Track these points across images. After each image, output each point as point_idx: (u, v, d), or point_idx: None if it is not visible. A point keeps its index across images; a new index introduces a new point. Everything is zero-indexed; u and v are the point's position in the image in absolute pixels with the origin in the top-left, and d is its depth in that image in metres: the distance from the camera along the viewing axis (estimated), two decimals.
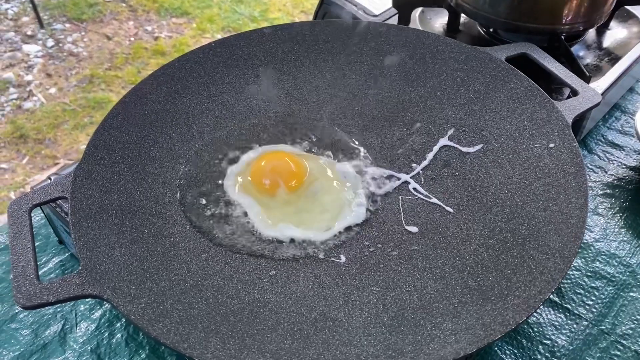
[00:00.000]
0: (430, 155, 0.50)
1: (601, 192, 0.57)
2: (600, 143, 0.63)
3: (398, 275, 0.41)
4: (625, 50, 0.63)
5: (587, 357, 0.44)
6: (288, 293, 0.41)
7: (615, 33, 0.66)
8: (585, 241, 0.53)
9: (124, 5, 2.12)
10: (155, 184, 0.48)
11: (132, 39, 1.96)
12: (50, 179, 0.48)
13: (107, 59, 1.86)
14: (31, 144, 1.55)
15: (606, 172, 0.59)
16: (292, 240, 0.44)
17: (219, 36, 1.98)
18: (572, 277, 0.50)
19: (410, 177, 0.49)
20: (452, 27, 0.66)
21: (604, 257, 0.51)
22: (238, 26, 2.04)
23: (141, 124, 0.50)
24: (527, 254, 0.40)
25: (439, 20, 0.67)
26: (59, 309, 0.48)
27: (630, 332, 0.46)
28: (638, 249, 0.52)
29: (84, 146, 0.47)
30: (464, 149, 0.50)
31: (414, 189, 0.48)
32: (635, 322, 0.46)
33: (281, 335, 0.37)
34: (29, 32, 1.96)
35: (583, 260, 0.51)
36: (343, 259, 0.43)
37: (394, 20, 0.66)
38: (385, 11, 0.67)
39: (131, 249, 0.42)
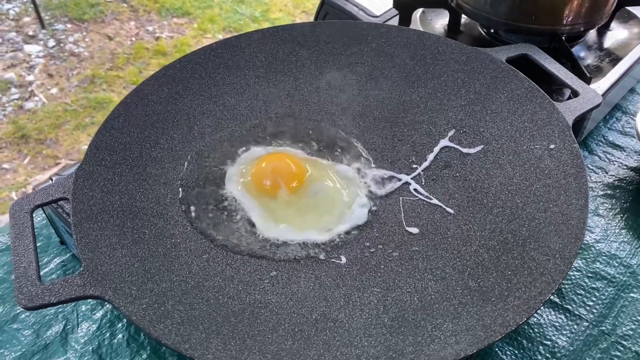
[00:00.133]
0: (430, 156, 0.50)
1: (602, 193, 0.57)
2: (601, 144, 0.63)
3: (399, 276, 0.42)
4: (626, 51, 0.63)
5: (587, 358, 0.44)
6: (289, 294, 0.41)
7: (616, 34, 0.66)
8: (585, 242, 0.53)
9: (125, 5, 2.13)
10: (157, 185, 0.48)
11: (133, 39, 1.97)
12: (51, 179, 0.48)
13: (108, 59, 1.86)
14: (32, 144, 1.55)
15: (607, 173, 0.59)
16: (293, 241, 0.44)
17: (220, 36, 1.98)
18: (573, 278, 0.50)
19: (411, 178, 0.49)
20: (453, 28, 0.66)
21: (604, 258, 0.51)
22: (239, 26, 2.04)
23: (142, 125, 0.50)
24: (528, 255, 0.40)
25: (440, 21, 0.67)
26: (60, 310, 0.48)
27: (631, 332, 0.46)
28: (639, 249, 0.52)
29: (85, 146, 0.47)
30: (465, 150, 0.50)
31: (415, 190, 0.48)
32: (636, 323, 0.47)
33: (282, 336, 0.37)
34: (31, 33, 1.97)
35: (584, 261, 0.51)
36: (344, 260, 0.43)
37: (395, 21, 0.66)
38: (386, 12, 0.67)
39: (132, 250, 0.42)
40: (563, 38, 0.58)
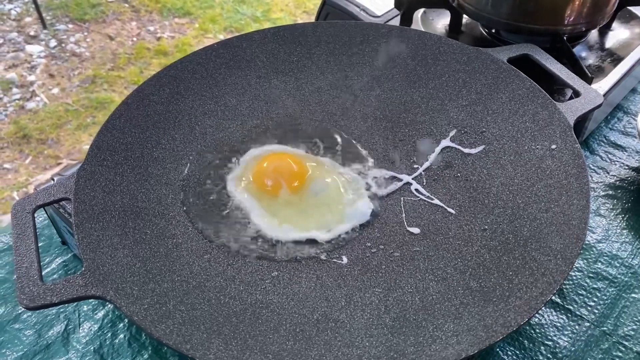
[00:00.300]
0: (432, 157, 0.50)
1: (603, 193, 0.57)
2: (603, 144, 0.63)
3: (400, 276, 0.42)
4: (627, 51, 0.62)
5: (589, 359, 0.44)
6: (290, 294, 0.41)
7: (618, 34, 0.66)
8: (587, 242, 0.53)
9: (126, 5, 2.13)
10: (158, 185, 0.48)
11: (134, 39, 1.97)
12: (53, 179, 0.48)
13: (109, 59, 1.87)
14: (34, 144, 1.56)
15: (608, 173, 0.59)
16: (294, 241, 0.44)
17: (221, 36, 1.98)
18: (574, 278, 0.50)
19: (412, 179, 0.49)
20: (454, 28, 0.66)
21: (606, 258, 0.51)
22: (240, 26, 2.04)
23: (144, 125, 0.50)
24: (529, 255, 0.40)
25: (441, 21, 0.67)
26: (62, 310, 0.48)
27: (632, 333, 0.46)
28: None
29: (87, 146, 0.47)
30: (466, 150, 0.50)
31: (416, 190, 0.48)
32: (637, 324, 0.46)
33: (283, 336, 0.37)
34: (32, 33, 1.97)
35: (585, 261, 0.51)
36: (345, 260, 0.43)
37: (396, 21, 0.66)
38: (387, 12, 0.67)
39: (134, 250, 0.42)
40: (564, 38, 0.58)
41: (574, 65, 0.57)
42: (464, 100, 0.53)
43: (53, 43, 1.93)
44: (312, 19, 0.70)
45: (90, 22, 2.03)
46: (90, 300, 0.49)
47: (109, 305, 0.48)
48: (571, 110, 0.48)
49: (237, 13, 2.11)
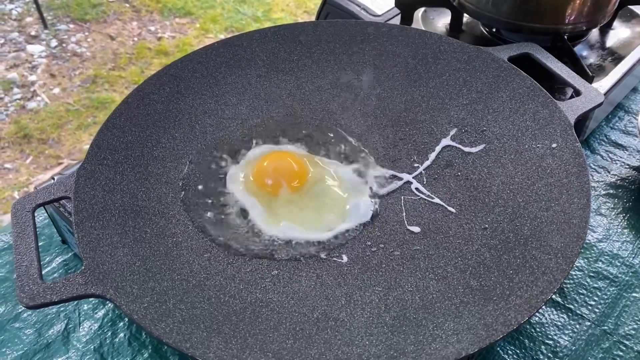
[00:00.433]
0: (432, 156, 0.50)
1: (604, 192, 0.57)
2: (603, 143, 0.63)
3: (400, 275, 0.42)
4: (628, 50, 0.62)
5: (589, 358, 0.44)
6: (290, 293, 0.41)
7: (619, 33, 0.66)
8: (588, 241, 0.53)
9: (127, 5, 2.13)
10: (158, 184, 0.48)
11: (135, 39, 1.97)
12: (53, 178, 0.48)
13: (110, 59, 1.87)
14: (35, 144, 1.56)
15: (609, 172, 0.59)
16: (294, 240, 0.44)
17: (222, 36, 1.98)
18: (575, 277, 0.50)
19: (413, 177, 0.49)
20: (455, 27, 0.66)
21: (606, 257, 0.51)
22: (241, 26, 2.04)
23: (144, 124, 0.50)
24: (529, 254, 0.40)
25: (442, 20, 0.67)
26: (62, 309, 0.48)
27: (633, 332, 0.46)
28: None
29: (88, 146, 0.47)
30: (467, 149, 0.50)
31: (417, 189, 0.48)
32: (638, 323, 0.46)
33: (283, 335, 0.37)
34: (33, 33, 1.97)
35: (586, 260, 0.51)
36: (345, 259, 0.43)
37: (397, 20, 0.66)
38: (387, 11, 0.67)
39: (134, 249, 0.42)
40: (565, 37, 0.58)
41: (575, 64, 0.57)
42: (464, 99, 0.53)
43: (54, 43, 1.93)
44: (313, 18, 0.70)
45: (91, 22, 2.03)
46: (91, 299, 0.49)
47: (109, 304, 0.48)
48: (572, 109, 0.48)
49: (237, 13, 2.11)
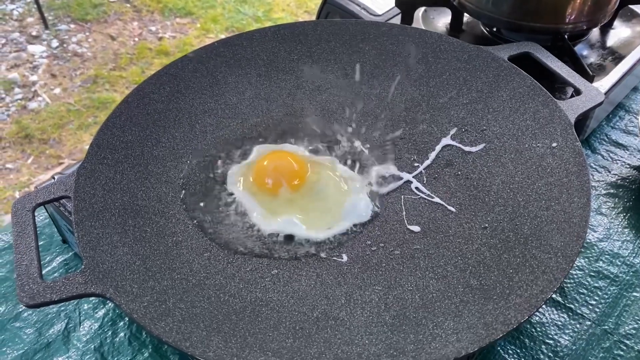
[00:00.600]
0: (432, 155, 0.50)
1: (605, 192, 0.57)
2: (604, 142, 0.63)
3: (400, 274, 0.41)
4: (629, 50, 0.62)
5: (590, 357, 0.44)
6: (290, 292, 0.41)
7: (619, 32, 0.66)
8: (588, 241, 0.53)
9: (128, 5, 2.13)
10: (158, 183, 0.48)
11: (136, 39, 1.97)
12: (54, 178, 0.48)
13: (111, 59, 1.87)
14: (36, 144, 1.56)
15: (610, 172, 0.59)
16: (294, 240, 0.44)
17: (222, 36, 1.98)
18: (575, 276, 0.50)
19: (413, 177, 0.49)
20: (455, 27, 0.66)
21: (607, 256, 0.51)
22: (242, 26, 2.04)
23: (144, 124, 0.50)
24: (529, 253, 0.40)
25: (442, 20, 0.67)
26: (62, 308, 0.48)
27: (634, 332, 0.46)
28: None
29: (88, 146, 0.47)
30: (467, 148, 0.50)
31: (417, 188, 0.48)
32: (639, 322, 0.46)
33: (283, 334, 0.37)
34: (34, 33, 1.97)
35: (586, 259, 0.51)
36: (345, 258, 0.43)
37: (397, 20, 0.66)
38: (388, 11, 0.67)
39: (134, 248, 0.42)
40: (566, 36, 0.58)
41: (575, 63, 0.57)
42: (464, 99, 0.53)
43: (55, 43, 1.93)
44: (314, 18, 0.70)
45: (92, 22, 2.03)
46: (91, 299, 0.49)
47: (110, 304, 0.48)
48: (572, 108, 0.47)
49: (238, 13, 2.11)
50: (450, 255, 0.42)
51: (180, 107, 0.53)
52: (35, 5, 1.99)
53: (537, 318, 0.47)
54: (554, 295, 0.48)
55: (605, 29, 0.66)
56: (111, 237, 0.41)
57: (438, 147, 0.51)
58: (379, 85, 0.56)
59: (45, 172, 1.48)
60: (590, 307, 0.47)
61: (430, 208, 0.46)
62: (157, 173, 0.48)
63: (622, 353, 0.44)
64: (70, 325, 0.47)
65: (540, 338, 0.45)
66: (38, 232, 0.51)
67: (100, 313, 0.48)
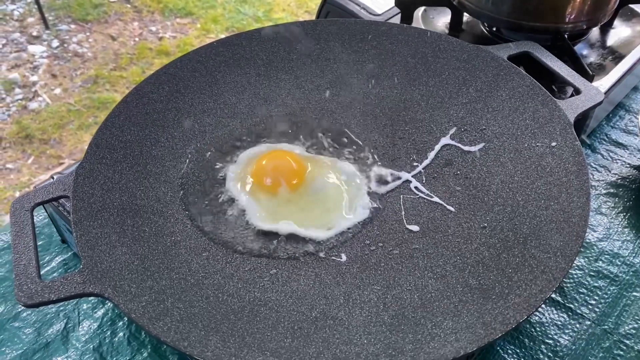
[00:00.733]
0: (431, 154, 0.50)
1: (604, 192, 0.57)
2: (604, 142, 0.63)
3: (399, 274, 0.41)
4: (629, 49, 0.62)
5: (590, 357, 0.44)
6: (288, 292, 0.41)
7: (619, 32, 0.66)
8: (588, 240, 0.52)
9: (128, 6, 2.13)
10: (157, 183, 0.48)
11: (136, 39, 1.97)
12: (53, 178, 0.48)
13: (111, 59, 1.87)
14: (36, 144, 1.56)
15: (610, 171, 0.59)
16: (293, 239, 0.44)
17: (223, 36, 1.98)
18: (575, 276, 0.50)
19: (412, 176, 0.49)
20: (455, 26, 0.66)
21: (607, 256, 0.51)
22: (242, 26, 2.04)
23: (143, 123, 0.50)
24: (529, 252, 0.40)
25: (442, 19, 0.67)
26: (61, 308, 0.48)
27: (634, 331, 0.46)
28: None
29: None
30: (466, 148, 0.50)
31: (416, 187, 0.48)
32: (639, 322, 0.46)
33: (281, 333, 0.37)
34: (35, 33, 1.98)
35: (586, 259, 0.51)
36: (344, 257, 0.43)
37: (397, 20, 0.66)
38: (387, 10, 0.67)
39: (132, 248, 0.42)
40: (566, 36, 0.58)
41: (575, 63, 0.57)
42: (464, 98, 0.53)
43: (55, 43, 1.93)
44: (314, 18, 0.70)
45: (93, 22, 2.03)
46: (90, 299, 0.49)
47: (109, 304, 0.48)
48: (571, 107, 0.47)
49: (238, 13, 2.11)
50: (449, 254, 0.42)
51: (180, 106, 0.53)
52: (35, 6, 1.99)
53: (536, 318, 0.47)
54: (553, 295, 0.48)
55: (605, 29, 0.66)
56: (110, 237, 0.41)
57: (437, 147, 0.50)
58: (378, 85, 0.56)
59: (46, 172, 1.48)
60: (590, 306, 0.47)
61: (429, 208, 0.46)
62: (155, 173, 0.48)
63: (622, 353, 0.44)
64: (69, 325, 0.47)
65: (540, 338, 0.45)
66: (37, 232, 0.51)
67: (99, 313, 0.48)
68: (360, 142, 0.52)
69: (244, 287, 0.41)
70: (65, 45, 1.93)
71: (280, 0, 2.19)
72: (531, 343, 0.45)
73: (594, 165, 0.60)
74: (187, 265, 0.42)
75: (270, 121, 0.54)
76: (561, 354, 0.44)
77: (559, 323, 0.46)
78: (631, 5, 0.67)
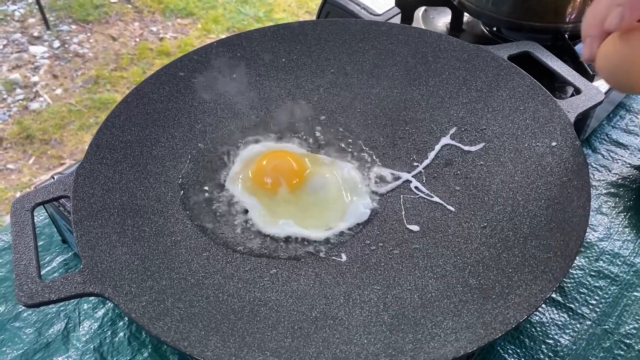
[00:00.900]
0: (432, 154, 0.50)
1: (605, 191, 0.57)
2: (605, 142, 0.63)
3: (399, 274, 0.41)
4: None
5: (590, 357, 0.44)
6: (289, 292, 0.41)
7: None
8: (588, 240, 0.52)
9: (129, 6, 2.13)
10: (157, 183, 0.48)
11: (137, 39, 1.97)
12: (53, 178, 0.48)
13: (112, 59, 1.87)
14: (37, 144, 1.56)
15: (610, 171, 0.59)
16: (293, 239, 0.44)
17: (223, 37, 1.98)
18: (576, 276, 0.50)
19: (412, 176, 0.49)
20: (455, 26, 0.66)
21: (607, 256, 0.51)
22: (243, 26, 2.04)
23: (143, 124, 0.50)
24: (529, 252, 0.40)
25: (442, 19, 0.67)
26: (62, 308, 0.48)
27: (634, 331, 0.46)
28: None
29: None
30: (466, 148, 0.50)
31: (416, 187, 0.48)
32: (639, 322, 0.46)
33: (281, 333, 0.37)
34: (36, 34, 1.98)
35: (586, 259, 0.51)
36: (344, 257, 0.43)
37: (397, 20, 0.66)
38: (388, 10, 0.67)
39: (133, 248, 0.42)
40: (566, 36, 0.58)
41: (575, 62, 0.56)
42: (464, 98, 0.53)
43: (56, 44, 1.93)
44: (314, 18, 0.70)
45: (94, 22, 2.04)
46: (91, 299, 0.49)
47: (109, 304, 0.48)
48: (572, 107, 0.47)
49: (239, 13, 2.11)
50: (449, 254, 0.42)
51: (180, 107, 0.53)
52: (36, 6, 1.99)
53: (537, 318, 0.47)
54: (553, 295, 0.48)
55: None
56: (110, 237, 0.41)
57: (437, 147, 0.50)
58: (378, 85, 0.56)
59: (47, 172, 1.48)
60: (591, 306, 0.47)
61: (429, 207, 0.46)
62: (156, 173, 0.48)
63: (622, 353, 0.44)
64: (70, 325, 0.47)
65: (541, 338, 0.45)
66: (38, 232, 0.51)
67: (100, 313, 0.48)
68: (360, 142, 0.52)
69: (244, 287, 0.41)
70: (66, 45, 1.93)
71: (281, 0, 2.19)
72: (532, 343, 0.45)
73: (595, 165, 0.60)
74: (187, 265, 0.42)
75: (270, 121, 0.54)
76: (562, 354, 0.44)
77: (560, 323, 0.46)
78: None
